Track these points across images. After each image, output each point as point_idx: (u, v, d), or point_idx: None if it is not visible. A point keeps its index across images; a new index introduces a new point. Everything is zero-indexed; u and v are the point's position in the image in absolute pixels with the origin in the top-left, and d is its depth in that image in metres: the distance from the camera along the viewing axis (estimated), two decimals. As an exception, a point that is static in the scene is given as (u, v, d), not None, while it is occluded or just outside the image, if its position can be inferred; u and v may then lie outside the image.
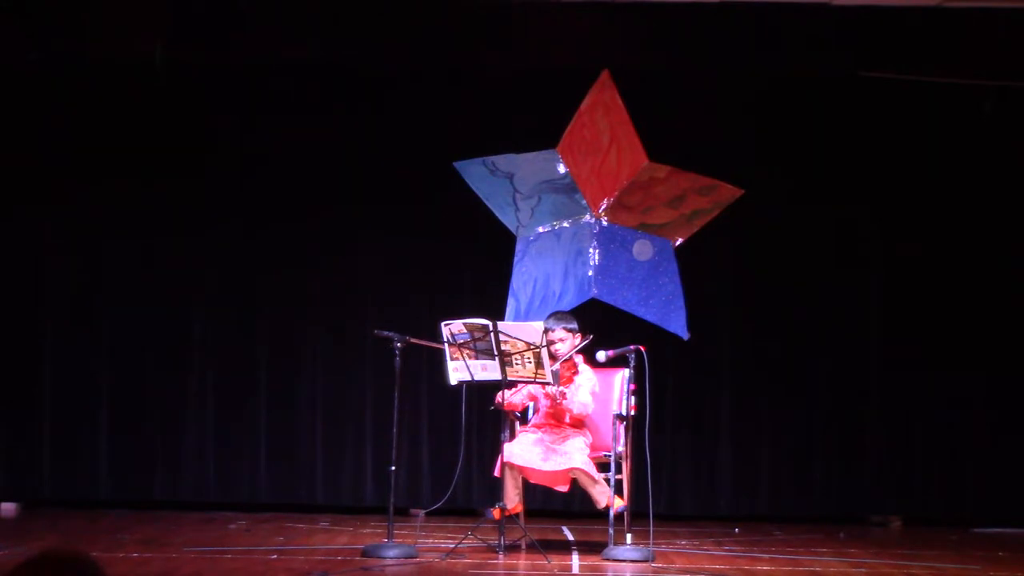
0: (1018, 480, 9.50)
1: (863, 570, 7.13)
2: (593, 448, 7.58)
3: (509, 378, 7.20)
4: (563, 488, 7.72)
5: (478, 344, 7.14)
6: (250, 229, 9.61)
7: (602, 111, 9.46)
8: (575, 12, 9.19)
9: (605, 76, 9.45)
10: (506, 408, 7.44)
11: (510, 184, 9.52)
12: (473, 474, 9.37)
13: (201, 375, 9.60)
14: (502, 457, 7.37)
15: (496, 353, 7.10)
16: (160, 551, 7.25)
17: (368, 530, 8.48)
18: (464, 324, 7.16)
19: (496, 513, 7.30)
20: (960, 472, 9.57)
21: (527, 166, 9.52)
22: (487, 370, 7.18)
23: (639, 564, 7.08)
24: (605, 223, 9.54)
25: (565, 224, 9.56)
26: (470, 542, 7.42)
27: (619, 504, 7.38)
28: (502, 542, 7.26)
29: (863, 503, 9.65)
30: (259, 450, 9.58)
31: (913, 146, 9.60)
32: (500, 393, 7.32)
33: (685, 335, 9.46)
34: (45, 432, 9.54)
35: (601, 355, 7.36)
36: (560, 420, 7.61)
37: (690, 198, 9.47)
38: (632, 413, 7.43)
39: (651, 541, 7.28)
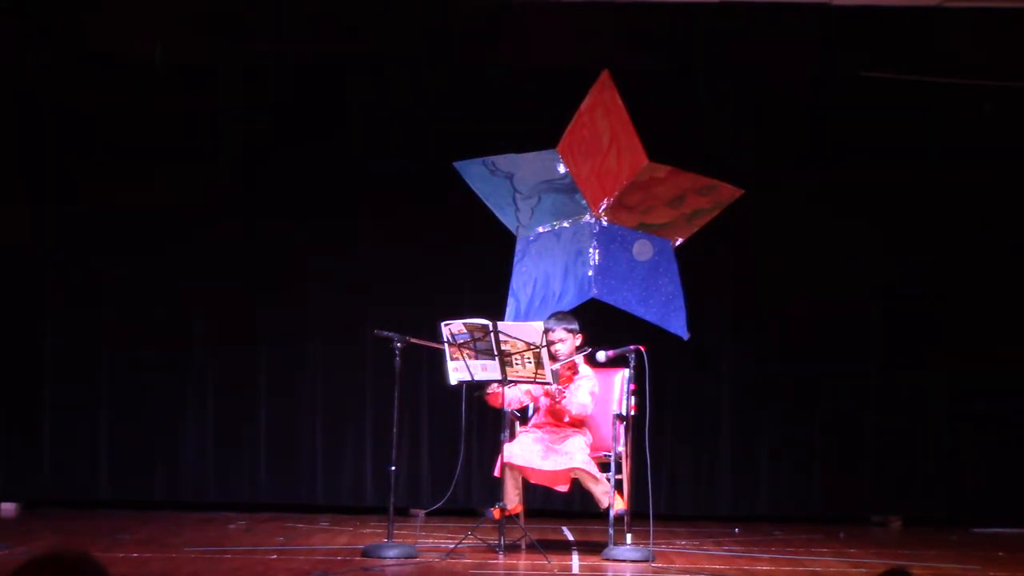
0: (1018, 480, 9.50)
1: (863, 570, 7.13)
2: (593, 448, 7.59)
3: (509, 378, 7.20)
4: (563, 488, 7.72)
5: (478, 344, 7.14)
6: (250, 229, 9.61)
7: (602, 111, 9.46)
8: (575, 12, 9.19)
9: (605, 76, 9.45)
10: (488, 399, 7.43)
11: (510, 184, 9.52)
12: (473, 474, 9.37)
13: (201, 375, 9.60)
14: (502, 457, 7.37)
15: (496, 353, 7.10)
16: (160, 551, 7.25)
17: (368, 530, 8.48)
18: (464, 324, 7.16)
19: (496, 513, 7.30)
20: (960, 472, 9.57)
21: (527, 166, 9.52)
22: (487, 370, 7.18)
23: (639, 564, 7.08)
24: (605, 223, 9.54)
25: (565, 224, 9.56)
26: (470, 542, 7.42)
27: (620, 507, 7.38)
28: (502, 542, 7.26)
29: (863, 503, 9.65)
30: (259, 450, 9.58)
31: (913, 146, 9.60)
32: (493, 387, 7.33)
33: (685, 335, 9.46)
34: (45, 432, 9.54)
35: (601, 355, 7.36)
36: (560, 420, 7.62)
37: (690, 198, 9.47)
38: (632, 413, 7.43)
39: (651, 541, 7.29)
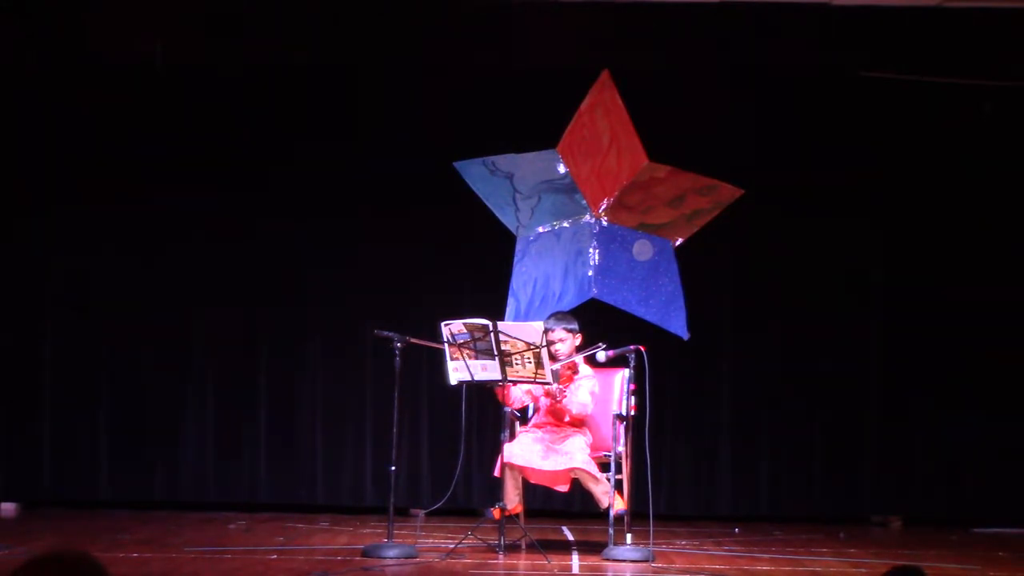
0: (1018, 480, 9.50)
1: (863, 570, 7.13)
2: (593, 448, 7.59)
3: (509, 378, 7.20)
4: (563, 488, 7.72)
5: (478, 344, 7.14)
6: (250, 229, 9.61)
7: (602, 111, 9.46)
8: (575, 12, 9.19)
9: (605, 76, 9.44)
10: (500, 395, 7.42)
11: (510, 184, 9.52)
12: (473, 474, 9.37)
13: (201, 375, 9.60)
14: (502, 457, 7.37)
15: (496, 353, 7.10)
16: (160, 551, 7.25)
17: (368, 530, 8.48)
18: (464, 324, 7.16)
19: (496, 513, 7.30)
20: (960, 472, 9.57)
21: (527, 166, 9.51)
22: (487, 370, 7.18)
23: (639, 564, 7.08)
24: (605, 223, 9.54)
25: (565, 224, 9.56)
26: (470, 542, 7.42)
27: (620, 507, 7.38)
28: (502, 542, 7.26)
29: (863, 503, 9.65)
30: (259, 450, 9.58)
31: (913, 146, 9.60)
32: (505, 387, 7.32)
33: (685, 335, 9.45)
34: (45, 432, 9.54)
35: (601, 355, 7.36)
36: (560, 420, 7.62)
37: (690, 198, 9.47)
38: (632, 413, 7.43)
39: (651, 541, 7.29)
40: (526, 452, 7.44)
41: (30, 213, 9.59)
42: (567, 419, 7.59)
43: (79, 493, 9.58)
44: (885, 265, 9.66)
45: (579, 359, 7.57)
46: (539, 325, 7.28)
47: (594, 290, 9.51)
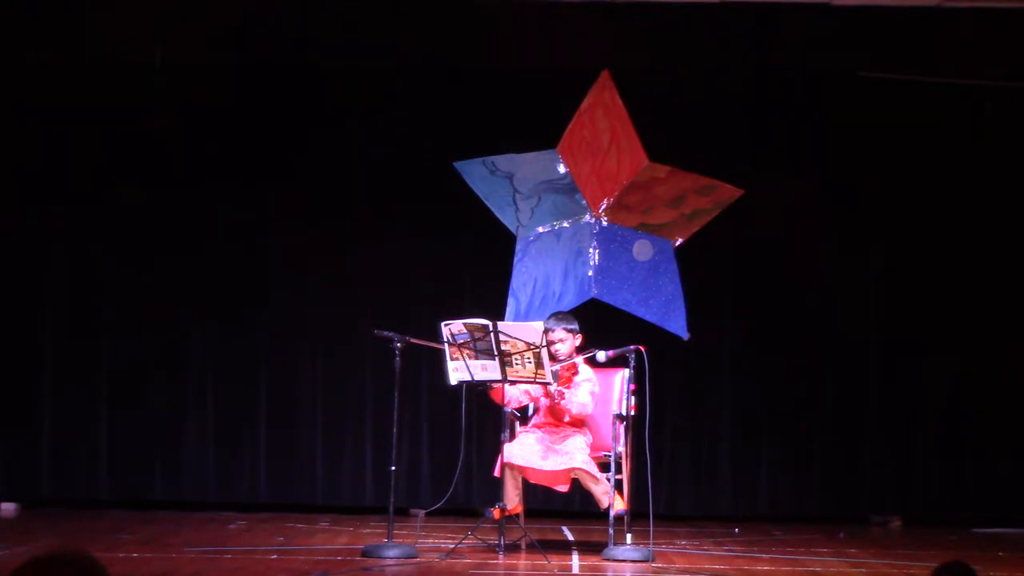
0: (1018, 480, 9.51)
1: (863, 570, 7.13)
2: (593, 448, 7.59)
3: (509, 378, 7.20)
4: (563, 488, 7.72)
5: (478, 344, 7.14)
6: (250, 230, 9.61)
7: (602, 111, 9.46)
8: (575, 12, 9.19)
9: (605, 76, 9.44)
10: (492, 395, 7.42)
11: (510, 184, 9.52)
12: (473, 474, 9.38)
13: (201, 375, 9.60)
14: (502, 457, 7.37)
15: (496, 353, 7.10)
16: (160, 551, 7.25)
17: (368, 530, 8.48)
18: (464, 324, 7.16)
19: (496, 513, 7.30)
20: (960, 472, 9.57)
21: (527, 166, 9.51)
22: (487, 370, 7.18)
23: (639, 564, 7.08)
24: (605, 223, 9.54)
25: (565, 224, 9.56)
26: (470, 542, 7.43)
27: (620, 507, 7.38)
28: (502, 542, 7.26)
29: (863, 503, 9.65)
30: (259, 450, 9.58)
31: (913, 146, 9.61)
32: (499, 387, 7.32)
33: (685, 335, 9.45)
34: (45, 432, 9.54)
35: (601, 355, 7.36)
36: (560, 420, 7.62)
37: (690, 198, 9.47)
38: (632, 413, 7.43)
39: (651, 541, 7.29)
40: (526, 452, 7.45)
41: (30, 213, 9.59)
42: (567, 419, 7.59)
43: (79, 493, 9.58)
44: (885, 265, 9.65)
45: (579, 360, 7.57)
46: (539, 325, 7.28)
47: (594, 290, 9.50)
